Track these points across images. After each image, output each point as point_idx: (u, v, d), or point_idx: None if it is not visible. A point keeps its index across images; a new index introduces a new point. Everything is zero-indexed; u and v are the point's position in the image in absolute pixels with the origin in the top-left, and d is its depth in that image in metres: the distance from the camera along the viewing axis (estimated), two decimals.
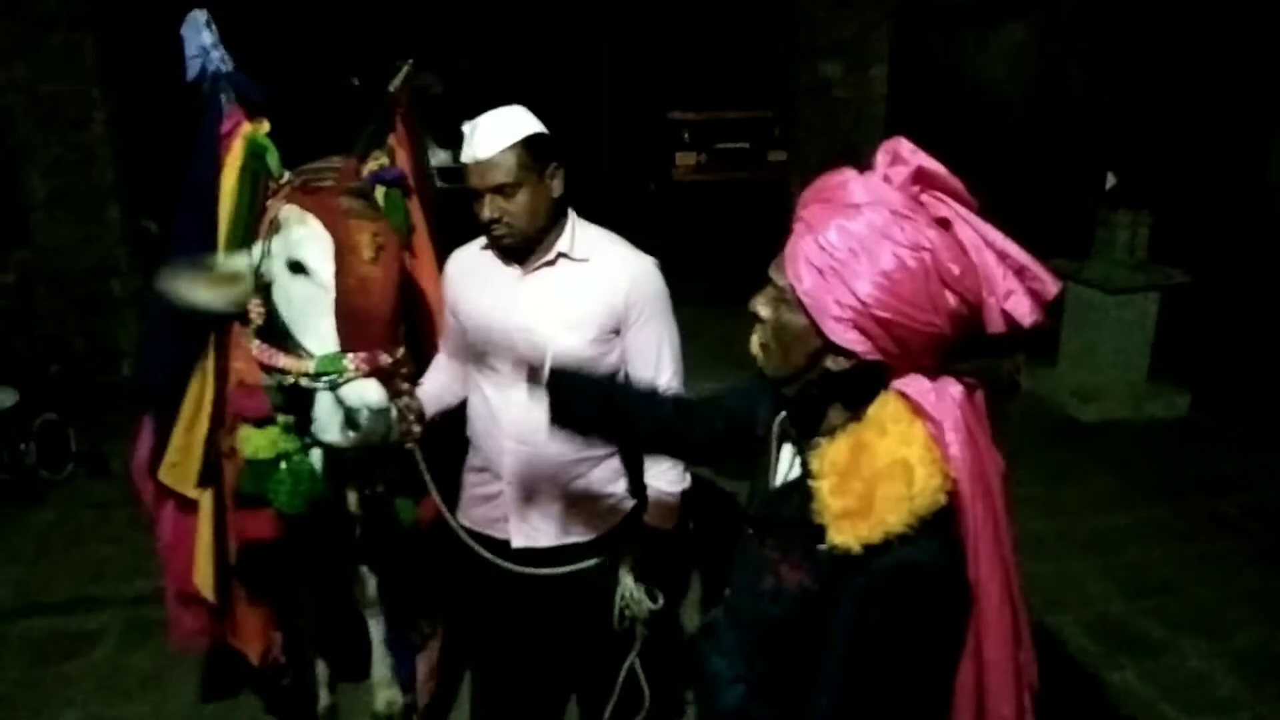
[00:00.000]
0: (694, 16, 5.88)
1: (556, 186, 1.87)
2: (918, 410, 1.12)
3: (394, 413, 1.82)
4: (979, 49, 6.30)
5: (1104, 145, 5.70)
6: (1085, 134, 6.03)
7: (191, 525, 2.11)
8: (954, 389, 1.14)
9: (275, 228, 1.85)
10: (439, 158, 3.38)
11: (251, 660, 2.26)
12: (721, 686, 1.38)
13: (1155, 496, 4.05)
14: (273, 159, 1.96)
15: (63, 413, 4.24)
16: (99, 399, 4.60)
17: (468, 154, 1.82)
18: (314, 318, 1.78)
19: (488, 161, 1.79)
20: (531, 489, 1.97)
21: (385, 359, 1.77)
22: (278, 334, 1.84)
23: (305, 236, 1.78)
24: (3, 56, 4.70)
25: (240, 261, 1.88)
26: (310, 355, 1.77)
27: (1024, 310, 1.13)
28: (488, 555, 1.97)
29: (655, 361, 1.94)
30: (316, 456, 2.01)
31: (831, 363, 1.15)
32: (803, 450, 1.25)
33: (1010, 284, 1.12)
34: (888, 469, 1.09)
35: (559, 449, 1.90)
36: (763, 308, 1.20)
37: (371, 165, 2.07)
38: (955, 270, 1.09)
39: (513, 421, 1.93)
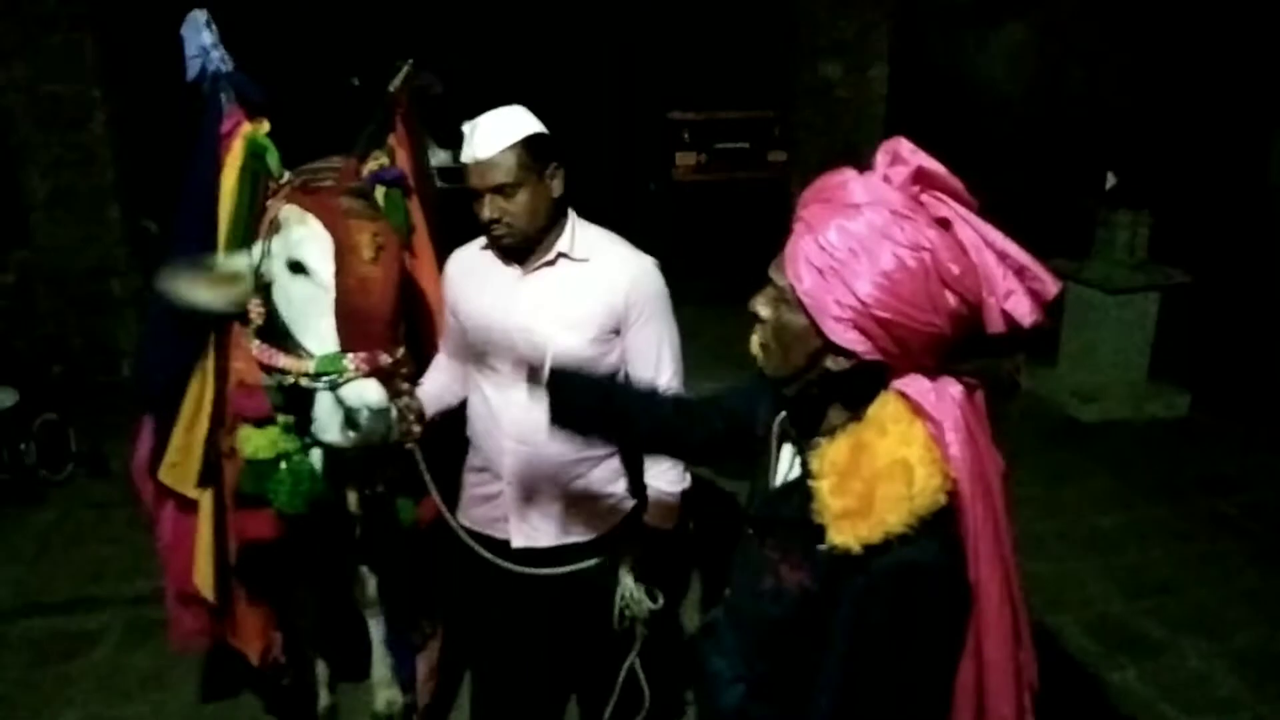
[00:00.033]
0: (694, 16, 5.88)
1: (556, 186, 1.87)
2: (918, 410, 1.12)
3: (394, 413, 1.82)
4: (979, 49, 6.30)
5: (1104, 145, 5.70)
6: (1085, 134, 6.03)
7: (191, 525, 2.11)
8: (954, 389, 1.14)
9: (275, 228, 1.85)
10: (439, 158, 3.38)
11: (251, 660, 2.26)
12: (721, 686, 1.38)
13: (1155, 496, 4.05)
14: (273, 159, 1.96)
15: (63, 413, 4.24)
16: (99, 399, 4.60)
17: (467, 154, 1.82)
18: (314, 318, 1.78)
19: (487, 161, 1.79)
20: (531, 489, 1.97)
21: (385, 359, 1.77)
22: (278, 334, 1.84)
23: (305, 236, 1.78)
24: (3, 56, 4.70)
25: (240, 261, 1.88)
26: (310, 355, 1.77)
27: (1024, 310, 1.13)
28: (488, 555, 1.97)
29: (655, 361, 1.94)
30: (317, 456, 2.01)
31: (831, 363, 1.15)
32: (803, 450, 1.25)
33: (1010, 284, 1.12)
34: (888, 469, 1.09)
35: (559, 449, 1.90)
36: (763, 308, 1.20)
37: (371, 165, 2.07)
38: (955, 270, 1.09)
39: (513, 421, 1.93)
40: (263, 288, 1.86)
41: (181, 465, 2.06)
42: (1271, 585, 3.40)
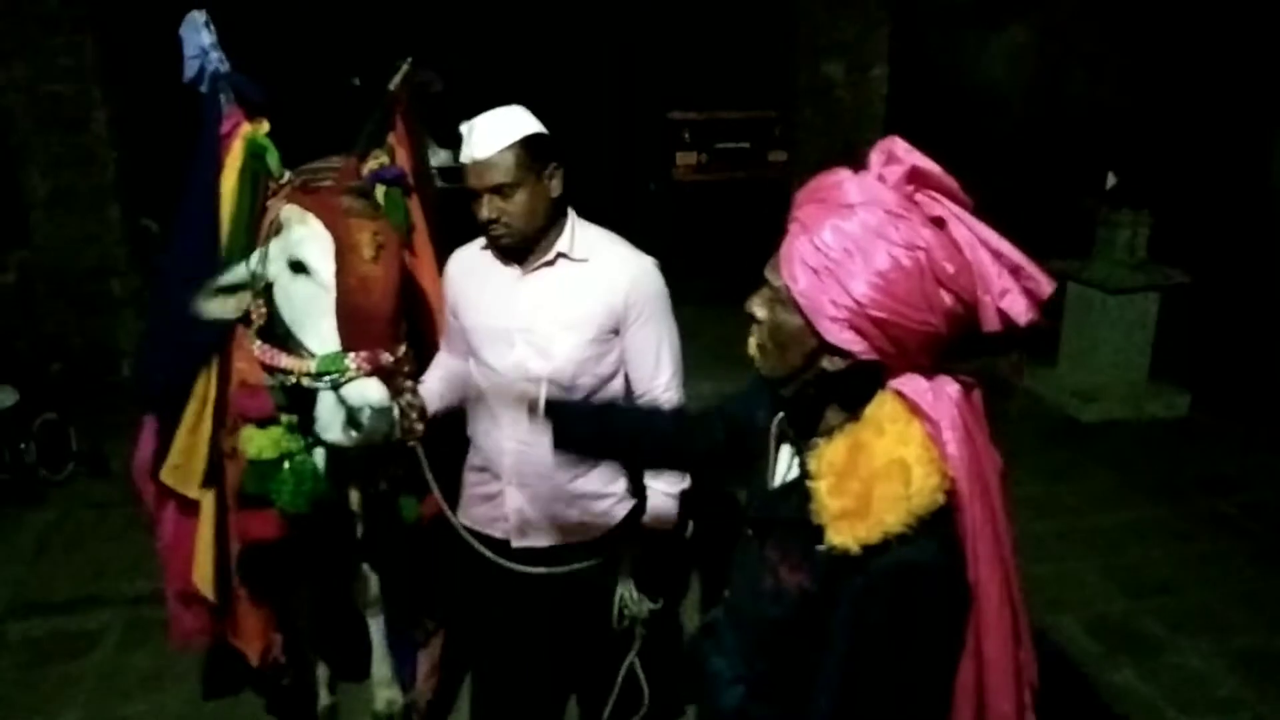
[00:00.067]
0: (694, 16, 5.88)
1: (555, 187, 1.86)
2: (915, 409, 1.12)
3: (396, 411, 1.82)
4: (979, 49, 6.30)
5: (1104, 145, 5.70)
6: (1085, 134, 6.02)
7: (193, 525, 2.11)
8: (951, 388, 1.14)
9: (276, 228, 1.85)
10: (439, 157, 3.38)
11: (251, 660, 2.26)
12: (721, 686, 1.39)
13: (1155, 496, 4.05)
14: (273, 159, 1.97)
15: (63, 412, 4.24)
16: (99, 399, 4.60)
17: (466, 154, 1.82)
18: (315, 317, 1.78)
19: (486, 161, 1.79)
20: (531, 489, 1.97)
21: (387, 358, 1.78)
22: (279, 334, 1.85)
23: (306, 236, 1.78)
24: (3, 56, 4.70)
25: (243, 271, 1.89)
26: (312, 355, 1.77)
27: (1019, 309, 1.12)
28: (488, 554, 1.97)
29: (654, 362, 1.94)
30: (320, 456, 2.02)
31: (828, 363, 1.15)
32: (801, 451, 1.25)
33: (1005, 282, 1.12)
34: (885, 469, 1.09)
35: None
36: (759, 309, 1.20)
37: (371, 164, 2.07)
38: (950, 269, 1.09)
39: (512, 422, 1.93)
40: (264, 288, 1.86)
41: (184, 467, 2.06)
42: (1271, 585, 3.40)
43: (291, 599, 2.32)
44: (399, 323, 1.85)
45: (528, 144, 1.80)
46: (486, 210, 1.82)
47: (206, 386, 2.04)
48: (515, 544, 2.01)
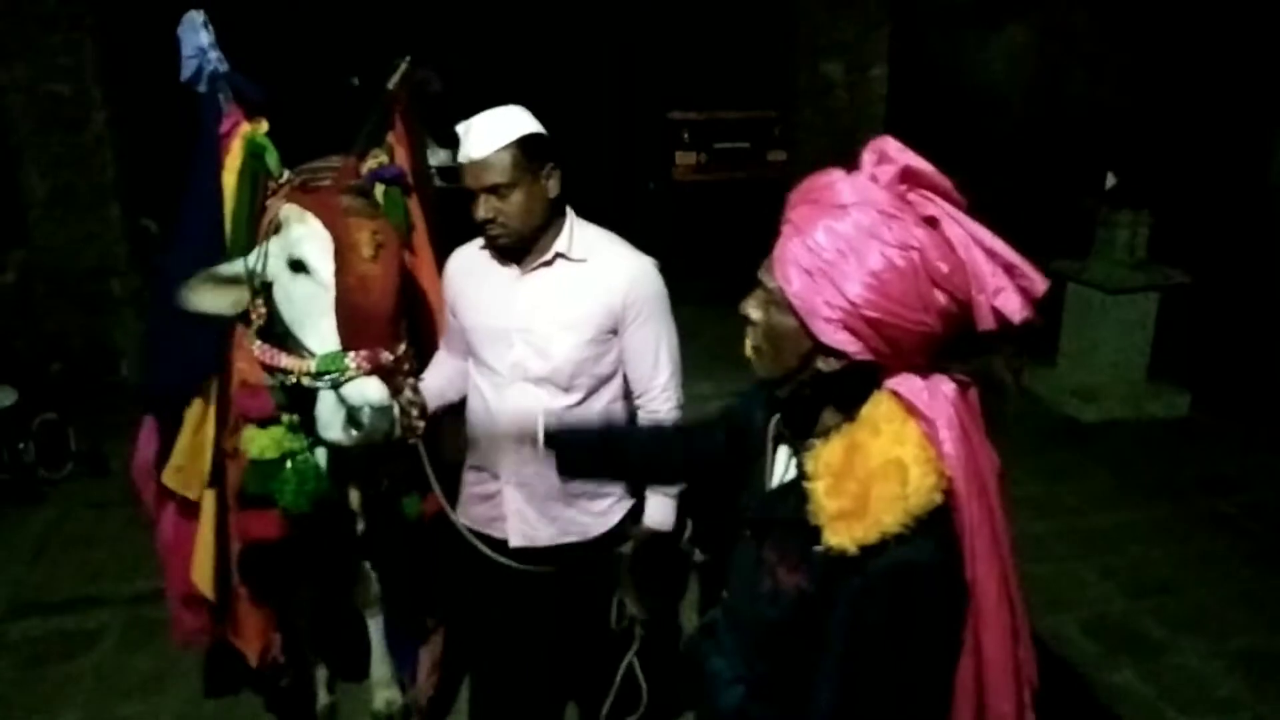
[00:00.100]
0: (694, 16, 5.88)
1: (552, 187, 1.86)
2: (911, 409, 1.12)
3: (396, 410, 1.82)
4: (979, 49, 6.30)
5: (1104, 145, 5.70)
6: (1085, 134, 6.02)
7: (193, 526, 2.11)
8: (946, 387, 1.14)
9: (275, 227, 1.85)
10: (439, 157, 3.39)
11: (251, 660, 2.26)
12: (721, 687, 1.38)
13: (1155, 496, 4.05)
14: (272, 159, 1.96)
15: (62, 412, 4.24)
16: (98, 398, 4.60)
17: (463, 154, 1.82)
18: (315, 316, 1.78)
19: (482, 161, 1.79)
20: (529, 489, 1.97)
21: (387, 356, 1.78)
22: (279, 334, 1.84)
23: (305, 235, 1.78)
24: (3, 56, 4.70)
25: (235, 266, 1.88)
26: (312, 354, 1.77)
27: (1014, 307, 1.12)
28: (488, 552, 1.97)
29: (653, 362, 1.94)
30: (322, 455, 2.02)
31: (823, 364, 1.15)
32: (798, 452, 1.25)
33: (999, 281, 1.12)
34: (882, 469, 1.09)
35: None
36: (753, 310, 1.20)
37: (370, 163, 2.07)
38: (944, 268, 1.09)
39: (511, 421, 1.92)
40: (263, 287, 1.86)
41: (187, 469, 2.06)
42: (1271, 585, 3.40)
43: (291, 599, 2.32)
44: (399, 321, 1.85)
45: (524, 144, 1.80)
46: (483, 210, 1.82)
47: (209, 389, 2.03)
48: (514, 544, 2.01)
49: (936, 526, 1.10)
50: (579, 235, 1.92)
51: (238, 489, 2.03)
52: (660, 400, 1.97)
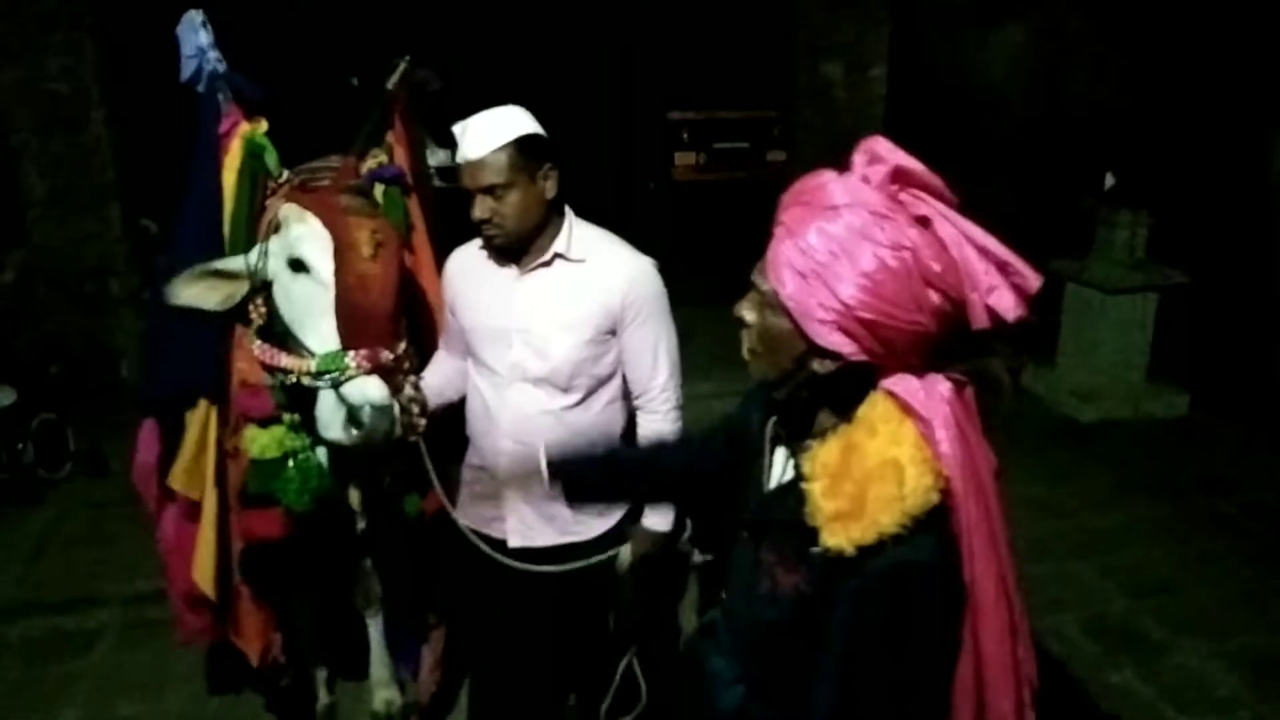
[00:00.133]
0: (694, 16, 5.88)
1: (550, 188, 1.86)
2: (907, 409, 1.12)
3: (396, 409, 1.82)
4: (979, 49, 6.30)
5: (1104, 145, 5.70)
6: (1085, 134, 6.02)
7: (195, 527, 2.11)
8: (942, 386, 1.13)
9: (275, 226, 1.85)
10: (438, 157, 3.38)
11: (251, 660, 2.26)
12: (721, 687, 1.39)
13: (1155, 496, 4.05)
14: (271, 158, 1.96)
15: (61, 412, 4.24)
16: (98, 398, 4.60)
17: (460, 154, 1.82)
18: (315, 316, 1.78)
19: (478, 162, 1.79)
20: (528, 489, 1.97)
21: (386, 355, 1.78)
22: (279, 333, 1.85)
23: (305, 234, 1.78)
24: (3, 56, 4.70)
25: (232, 262, 1.88)
26: (311, 354, 1.77)
27: (1007, 305, 1.12)
28: (488, 551, 1.98)
29: (652, 362, 1.94)
30: (323, 453, 2.02)
31: (818, 365, 1.15)
32: (795, 453, 1.25)
33: (993, 279, 1.12)
34: (878, 469, 1.09)
35: (555, 449, 1.90)
36: (748, 313, 1.20)
37: (370, 163, 2.07)
38: (937, 268, 1.09)
39: (509, 421, 1.93)
40: (263, 287, 1.86)
41: (193, 470, 2.06)
42: (1271, 585, 3.40)
43: (292, 599, 2.32)
44: (399, 320, 1.85)
45: (521, 145, 1.80)
46: (479, 210, 1.82)
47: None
48: (513, 544, 2.01)
49: (934, 526, 1.10)
50: (578, 235, 1.92)
51: (239, 488, 2.03)
52: (659, 400, 1.97)
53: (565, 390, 1.91)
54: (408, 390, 1.88)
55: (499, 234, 1.84)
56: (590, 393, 1.94)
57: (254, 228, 1.93)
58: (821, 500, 1.12)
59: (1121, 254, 4.79)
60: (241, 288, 1.87)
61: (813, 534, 1.13)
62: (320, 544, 2.14)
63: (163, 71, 2.09)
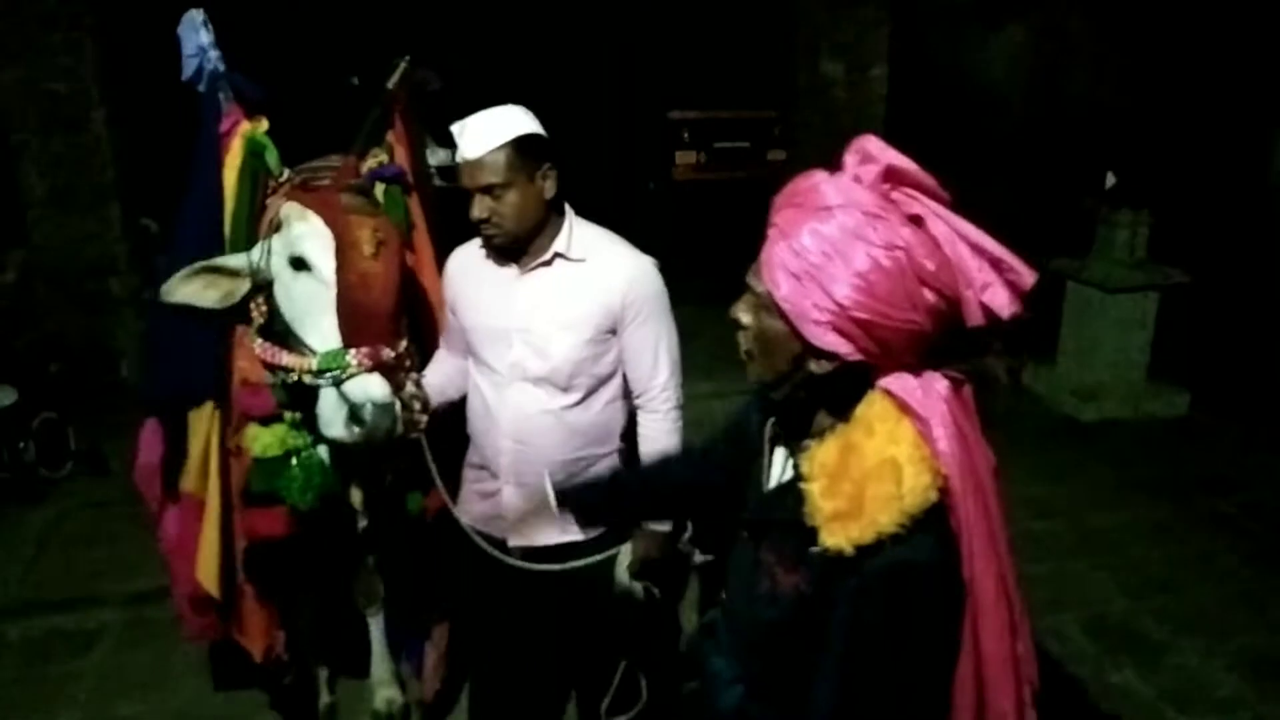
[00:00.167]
0: (694, 16, 5.88)
1: (549, 188, 1.86)
2: (904, 408, 1.12)
3: (398, 406, 1.82)
4: (979, 49, 6.30)
5: (1104, 145, 5.70)
6: (1085, 134, 6.02)
7: (199, 526, 2.11)
8: (940, 385, 1.14)
9: (276, 225, 1.85)
10: (438, 156, 3.38)
11: (254, 658, 2.26)
12: (721, 687, 1.39)
13: (1155, 496, 4.05)
14: (272, 157, 1.96)
15: (62, 411, 4.24)
16: (98, 398, 4.60)
17: (459, 153, 1.82)
18: (316, 314, 1.78)
19: (477, 161, 1.79)
20: (529, 488, 1.97)
21: (388, 353, 1.78)
22: (280, 331, 1.85)
23: (306, 233, 1.78)
24: (2, 56, 4.70)
25: (231, 260, 1.88)
26: (313, 352, 1.77)
27: (1002, 302, 1.12)
28: (489, 549, 1.98)
29: (652, 361, 1.94)
30: (325, 450, 2.02)
31: (815, 366, 1.15)
32: (794, 453, 1.25)
33: (986, 276, 1.12)
34: (877, 469, 1.09)
35: (555, 449, 1.91)
36: (743, 314, 1.20)
37: (370, 162, 2.07)
38: (930, 266, 1.09)
39: (509, 421, 1.93)
40: (264, 286, 1.86)
41: (196, 468, 2.06)
42: (1271, 585, 3.40)
43: (295, 596, 2.32)
44: (400, 318, 1.86)
45: (519, 144, 1.80)
46: (478, 210, 1.82)
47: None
48: (513, 543, 2.01)
49: (933, 525, 1.10)
50: (578, 235, 1.92)
51: (242, 487, 2.03)
52: (660, 400, 1.97)
53: (565, 390, 1.91)
54: (409, 388, 1.88)
55: (497, 233, 1.85)
56: (590, 392, 1.94)
57: (255, 227, 1.93)
58: (820, 500, 1.12)
59: (1122, 253, 4.79)
60: (241, 285, 1.88)
61: (812, 534, 1.13)
62: (322, 542, 2.15)
63: (163, 71, 2.10)
